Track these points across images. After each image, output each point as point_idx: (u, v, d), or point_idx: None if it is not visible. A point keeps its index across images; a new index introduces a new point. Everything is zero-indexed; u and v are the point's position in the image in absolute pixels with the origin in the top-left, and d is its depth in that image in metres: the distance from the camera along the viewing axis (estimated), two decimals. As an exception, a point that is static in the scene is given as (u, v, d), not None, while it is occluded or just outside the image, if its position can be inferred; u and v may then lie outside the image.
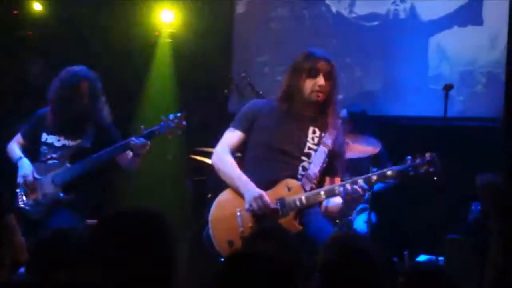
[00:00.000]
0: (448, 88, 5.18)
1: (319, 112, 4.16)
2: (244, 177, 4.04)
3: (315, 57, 4.09)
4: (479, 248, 4.28)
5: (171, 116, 4.76)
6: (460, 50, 6.65)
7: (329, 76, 4.07)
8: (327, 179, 4.18)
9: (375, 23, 7.07)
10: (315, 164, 4.09)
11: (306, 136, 4.14)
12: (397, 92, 6.95)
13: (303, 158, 4.11)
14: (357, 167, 5.18)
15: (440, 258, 5.04)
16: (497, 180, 2.68)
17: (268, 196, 3.95)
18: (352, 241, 2.71)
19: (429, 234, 5.47)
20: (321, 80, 4.04)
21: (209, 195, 6.04)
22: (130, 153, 4.84)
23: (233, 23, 7.76)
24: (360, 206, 5.74)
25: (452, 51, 6.68)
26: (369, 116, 6.28)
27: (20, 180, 4.83)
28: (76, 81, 4.81)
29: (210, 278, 2.32)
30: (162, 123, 4.74)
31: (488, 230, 2.98)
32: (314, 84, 4.05)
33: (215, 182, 5.98)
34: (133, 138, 4.71)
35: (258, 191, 3.94)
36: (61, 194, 4.77)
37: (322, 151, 4.12)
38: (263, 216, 3.92)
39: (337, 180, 4.20)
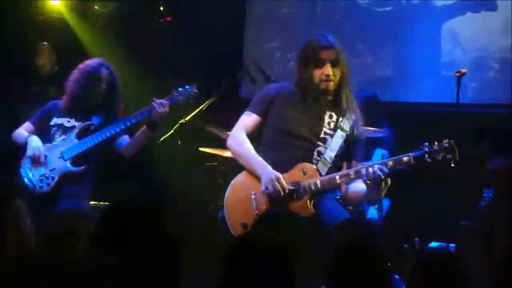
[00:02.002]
0: (460, 74, 5.13)
1: (335, 97, 4.15)
2: (260, 159, 4.04)
3: (319, 47, 4.05)
4: (491, 235, 4.26)
5: (181, 88, 4.93)
6: (473, 36, 6.60)
7: (336, 64, 4.05)
8: (344, 164, 4.18)
9: (388, 8, 7.03)
10: (331, 148, 4.09)
11: (323, 121, 4.14)
12: (409, 78, 6.91)
13: (319, 143, 4.10)
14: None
15: (452, 245, 5.01)
16: (507, 164, 2.65)
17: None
18: (360, 227, 2.70)
19: (440, 220, 5.45)
20: (327, 70, 4.03)
21: (219, 181, 6.05)
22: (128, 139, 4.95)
23: (245, 8, 7.72)
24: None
25: (465, 37, 6.64)
26: (381, 101, 6.24)
27: (29, 152, 4.88)
28: (97, 69, 4.98)
29: (219, 263, 2.32)
30: (175, 93, 4.88)
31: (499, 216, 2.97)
32: (321, 74, 4.04)
33: (226, 168, 6.01)
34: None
35: (275, 173, 3.94)
36: (70, 166, 4.84)
37: (339, 135, 4.11)
38: (278, 199, 3.91)
39: (354, 165, 4.20)
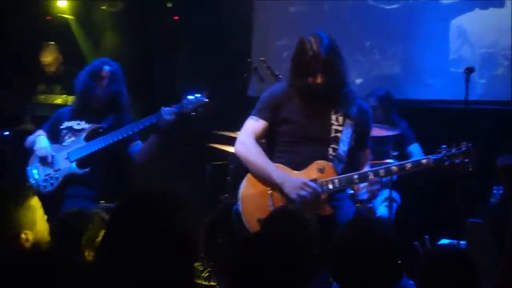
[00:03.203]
0: (469, 71, 5.12)
1: (335, 93, 4.05)
2: (277, 168, 3.95)
3: (308, 56, 3.91)
4: (501, 232, 4.24)
5: (191, 96, 4.82)
6: (482, 32, 6.58)
7: (325, 70, 3.92)
8: (359, 154, 4.15)
9: (395, 6, 7.01)
10: (343, 142, 4.02)
11: (330, 119, 4.05)
12: (417, 75, 6.89)
13: (331, 142, 4.02)
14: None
15: (462, 242, 5.00)
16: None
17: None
18: (370, 224, 2.70)
19: (450, 218, 5.44)
20: (318, 79, 3.92)
21: (228, 178, 6.05)
22: (140, 144, 4.93)
23: (253, 7, 7.72)
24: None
25: (473, 34, 6.62)
26: (393, 99, 6.25)
27: (37, 151, 4.92)
28: (99, 67, 4.98)
29: (225, 261, 2.31)
30: (183, 101, 4.79)
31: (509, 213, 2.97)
32: (313, 82, 3.93)
33: (236, 167, 6.01)
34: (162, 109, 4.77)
35: (299, 178, 3.87)
36: (75, 167, 4.85)
37: (349, 125, 4.05)
38: (315, 201, 3.84)
39: (367, 153, 4.19)
